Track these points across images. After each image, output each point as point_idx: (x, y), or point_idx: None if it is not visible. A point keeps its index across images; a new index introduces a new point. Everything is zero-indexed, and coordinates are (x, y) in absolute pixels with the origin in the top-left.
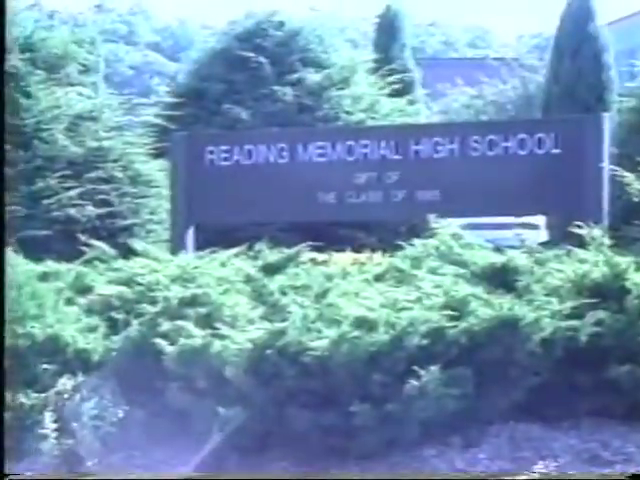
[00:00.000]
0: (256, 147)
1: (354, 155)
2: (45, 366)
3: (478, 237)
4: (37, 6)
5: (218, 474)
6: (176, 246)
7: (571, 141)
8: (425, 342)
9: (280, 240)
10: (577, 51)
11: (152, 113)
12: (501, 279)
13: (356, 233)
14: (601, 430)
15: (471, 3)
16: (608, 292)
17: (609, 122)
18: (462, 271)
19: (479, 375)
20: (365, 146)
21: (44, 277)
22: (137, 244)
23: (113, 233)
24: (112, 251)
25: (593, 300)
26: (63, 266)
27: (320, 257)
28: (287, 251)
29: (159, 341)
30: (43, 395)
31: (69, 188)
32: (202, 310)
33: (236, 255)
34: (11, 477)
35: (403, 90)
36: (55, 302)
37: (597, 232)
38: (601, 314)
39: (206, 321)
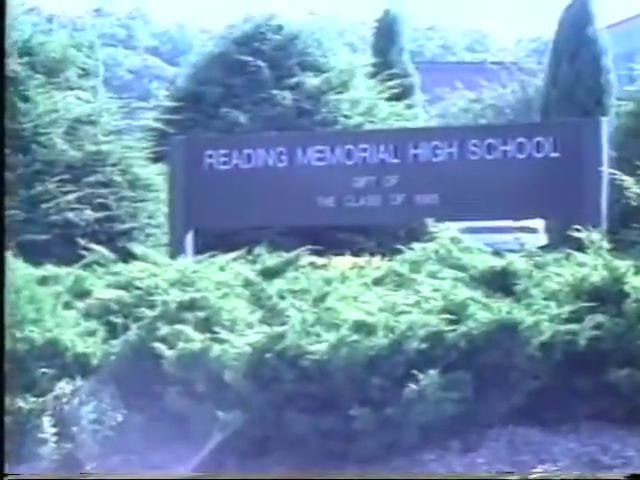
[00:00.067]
0: (255, 151)
1: (353, 159)
2: (44, 370)
3: (477, 241)
4: (36, 10)
5: (218, 474)
6: (175, 250)
7: (570, 145)
8: (424, 346)
9: (279, 244)
10: (576, 55)
11: (151, 117)
12: (500, 283)
13: (355, 237)
14: (600, 434)
15: (470, 7)
16: (607, 296)
17: (608, 126)
18: (461, 275)
19: (478, 379)
20: (364, 150)
21: (43, 281)
22: (136, 248)
23: (112, 237)
24: (111, 255)
25: (592, 304)
26: (62, 270)
27: (319, 261)
28: (286, 255)
29: (158, 345)
30: (42, 399)
31: (68, 192)
32: (201, 314)
33: (235, 259)
34: (11, 477)
35: (401, 94)
36: (54, 306)
37: (596, 236)
38: (600, 318)
39: (205, 325)
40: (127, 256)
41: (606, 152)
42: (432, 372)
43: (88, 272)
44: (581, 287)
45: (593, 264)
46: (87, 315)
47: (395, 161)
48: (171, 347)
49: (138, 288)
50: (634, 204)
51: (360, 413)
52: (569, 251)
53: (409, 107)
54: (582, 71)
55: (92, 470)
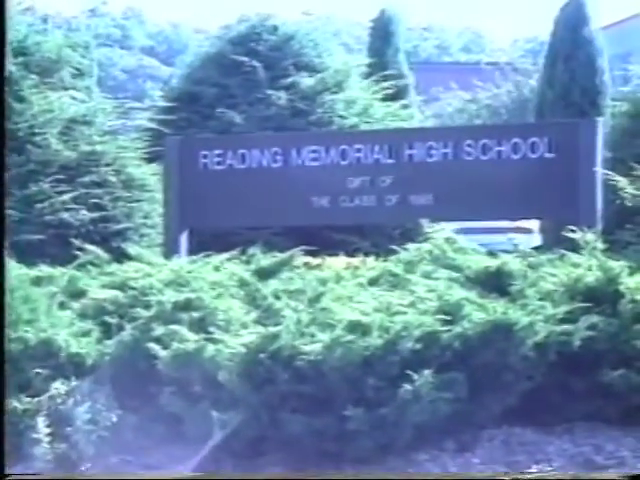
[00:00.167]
0: (250, 151)
1: (348, 159)
2: (38, 370)
3: (472, 241)
4: (31, 10)
5: (218, 474)
6: (169, 250)
7: (565, 145)
8: (419, 346)
9: (274, 244)
10: (571, 55)
11: (146, 117)
12: (495, 283)
13: (350, 237)
14: (595, 434)
15: (465, 7)
16: (601, 296)
17: (603, 126)
18: (456, 275)
19: (473, 379)
20: (359, 150)
21: (37, 281)
22: (131, 248)
23: (106, 237)
24: (105, 255)
25: (586, 304)
26: (56, 270)
27: (314, 261)
28: (280, 255)
29: (152, 345)
30: (36, 400)
31: (62, 192)
32: (196, 314)
33: (229, 259)
34: (11, 477)
35: (397, 94)
36: (48, 306)
37: (590, 236)
38: (594, 318)
39: (200, 325)
40: (122, 256)
41: (601, 153)
42: (427, 372)
43: (82, 272)
44: (576, 288)
45: (587, 265)
46: (82, 315)
47: (390, 161)
48: (166, 347)
49: (133, 288)
50: (629, 205)
51: (355, 413)
52: (563, 251)
53: (404, 107)
54: (577, 72)
55: (86, 471)
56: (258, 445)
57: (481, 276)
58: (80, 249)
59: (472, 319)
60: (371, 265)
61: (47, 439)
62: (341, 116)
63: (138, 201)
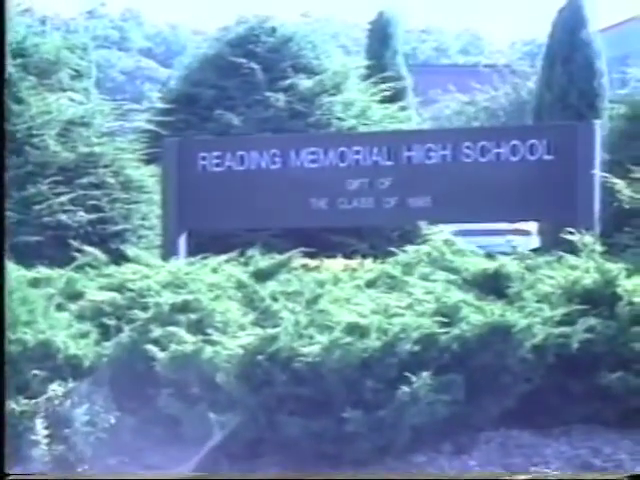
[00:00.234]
0: (248, 153)
1: (346, 161)
2: (36, 372)
3: (470, 243)
4: (29, 12)
5: (218, 474)
6: (168, 252)
7: (563, 147)
8: (417, 348)
9: (272, 246)
10: (569, 58)
11: (144, 119)
12: (492, 285)
13: (348, 239)
14: (592, 437)
15: (463, 10)
16: (599, 299)
17: (601, 129)
18: (454, 277)
19: (470, 381)
20: (357, 152)
21: (35, 283)
22: (129, 250)
23: (104, 239)
24: (103, 257)
25: (584, 307)
26: (54, 272)
27: (312, 263)
28: (278, 257)
29: (150, 347)
30: (34, 401)
31: (60, 194)
32: (193, 316)
33: (227, 261)
34: (11, 477)
35: (395, 96)
36: (46, 308)
37: (588, 238)
38: (592, 321)
39: (197, 327)
40: (120, 258)
41: (599, 155)
42: (425, 374)
43: (80, 274)
44: (573, 290)
45: (585, 267)
46: (79, 317)
47: (388, 163)
48: (163, 349)
49: (130, 290)
50: (627, 207)
51: (353, 415)
52: (561, 254)
53: (403, 109)
54: (575, 74)
55: (83, 472)
56: (256, 447)
57: (479, 278)
58: (78, 251)
59: (470, 321)
60: (369, 267)
61: (45, 441)
62: (339, 118)
63: (136, 203)
